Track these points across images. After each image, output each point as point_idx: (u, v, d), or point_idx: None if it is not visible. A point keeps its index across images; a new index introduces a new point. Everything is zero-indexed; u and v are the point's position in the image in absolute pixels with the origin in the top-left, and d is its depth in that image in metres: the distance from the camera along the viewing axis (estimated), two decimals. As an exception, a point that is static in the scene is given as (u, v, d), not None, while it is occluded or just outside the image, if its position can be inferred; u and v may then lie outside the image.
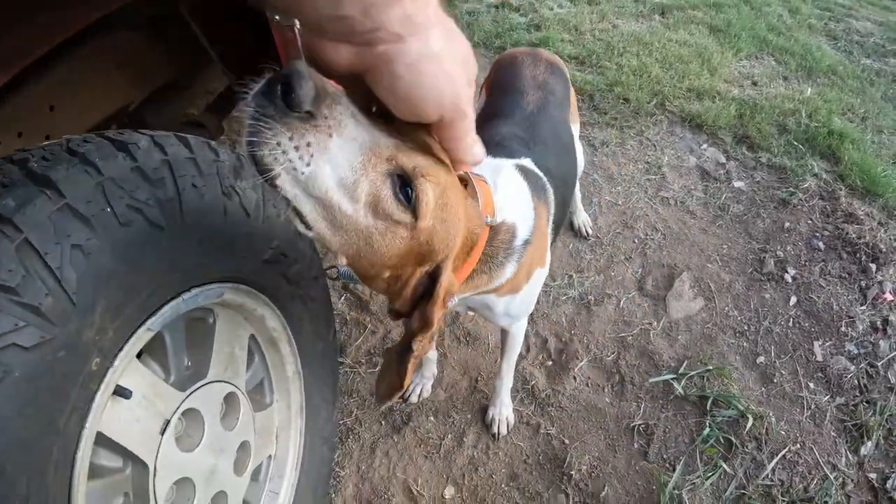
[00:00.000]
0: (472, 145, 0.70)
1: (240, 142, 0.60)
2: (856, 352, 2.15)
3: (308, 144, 0.60)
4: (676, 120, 3.29)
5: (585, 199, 2.67)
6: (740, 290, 2.36)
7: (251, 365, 1.21)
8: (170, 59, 1.61)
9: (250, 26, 1.41)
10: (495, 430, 1.84)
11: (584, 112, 3.24)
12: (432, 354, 1.88)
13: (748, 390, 2.01)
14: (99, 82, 1.43)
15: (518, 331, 1.59)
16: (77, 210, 0.71)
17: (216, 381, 1.06)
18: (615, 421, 1.91)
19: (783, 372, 2.07)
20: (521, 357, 1.99)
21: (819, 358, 2.13)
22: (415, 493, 1.71)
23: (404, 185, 0.68)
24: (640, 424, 1.89)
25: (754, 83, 3.73)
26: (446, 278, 0.79)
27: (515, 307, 1.33)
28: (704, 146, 3.12)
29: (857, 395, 2.02)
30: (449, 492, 1.72)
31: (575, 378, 2.01)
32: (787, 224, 2.65)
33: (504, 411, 1.84)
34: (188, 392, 0.98)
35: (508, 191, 1.16)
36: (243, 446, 1.15)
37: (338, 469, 1.74)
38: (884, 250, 2.48)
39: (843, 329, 2.22)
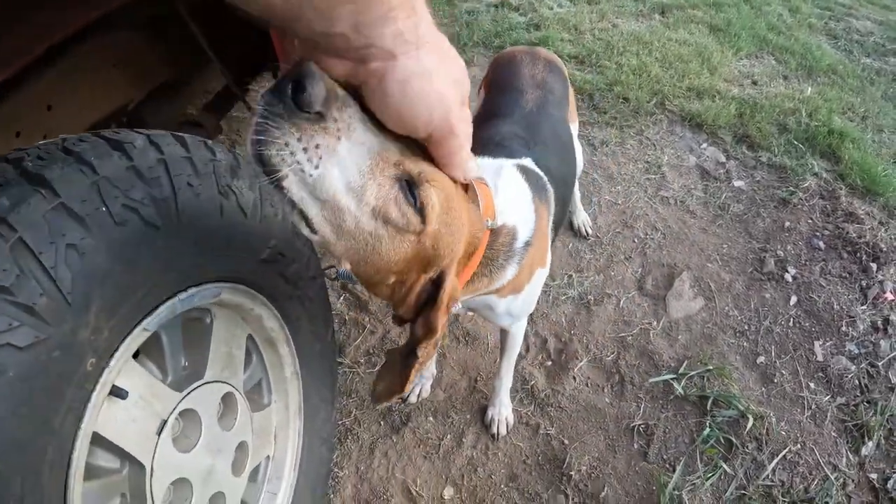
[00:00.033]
0: (463, 162, 0.71)
1: (245, 141, 0.60)
2: (856, 351, 2.14)
3: (317, 146, 0.59)
4: (676, 119, 3.28)
5: (585, 198, 2.67)
6: (740, 290, 2.36)
7: (249, 365, 1.21)
8: (169, 59, 1.61)
9: (249, 26, 1.41)
10: (494, 430, 1.83)
11: (583, 111, 3.24)
12: (431, 354, 1.87)
13: (748, 390, 2.00)
14: (98, 81, 1.43)
15: (518, 331, 1.58)
16: (72, 209, 0.70)
17: (214, 382, 1.05)
18: (615, 421, 1.90)
19: (783, 372, 2.07)
20: (520, 357, 1.99)
21: (820, 358, 2.12)
22: (414, 493, 1.70)
23: (411, 190, 0.68)
24: (639, 425, 1.89)
25: (754, 82, 3.72)
26: (450, 284, 0.79)
27: (517, 307, 1.33)
28: (704, 145, 3.12)
29: (858, 395, 2.02)
30: (448, 492, 1.72)
31: (574, 378, 2.00)
32: (787, 223, 2.64)
33: (503, 411, 1.84)
34: (185, 392, 0.98)
35: (509, 192, 1.15)
36: (241, 447, 1.15)
37: (336, 469, 1.73)
38: (884, 250, 2.47)
39: (843, 329, 2.21)
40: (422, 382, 1.91)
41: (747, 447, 1.84)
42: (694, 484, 1.74)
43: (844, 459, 1.84)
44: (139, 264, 0.79)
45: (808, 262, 2.47)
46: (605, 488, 1.74)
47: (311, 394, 1.35)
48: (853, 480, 1.80)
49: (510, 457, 1.81)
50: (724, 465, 1.79)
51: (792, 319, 2.25)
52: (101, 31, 1.33)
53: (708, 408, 1.91)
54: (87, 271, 0.71)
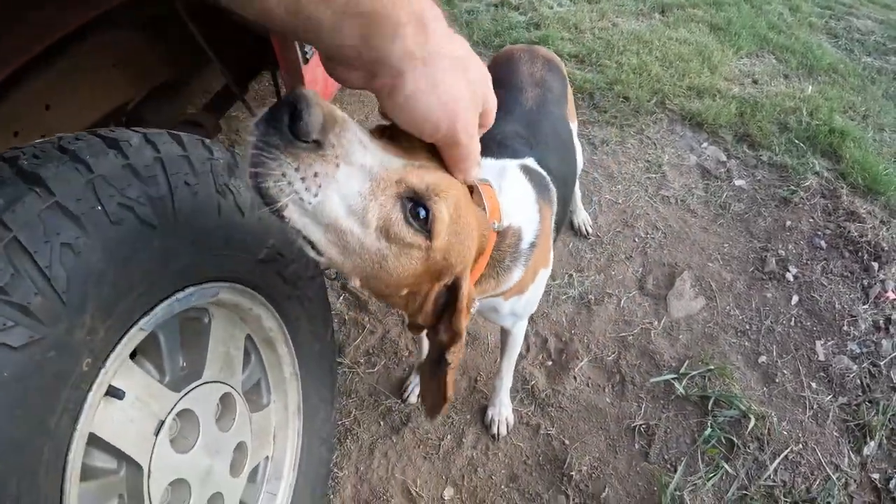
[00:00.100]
0: (467, 169, 0.71)
1: (243, 172, 0.59)
2: (858, 351, 2.13)
3: (315, 175, 0.59)
4: (677, 118, 3.27)
5: (585, 197, 2.66)
6: (742, 289, 2.35)
7: (248, 365, 1.20)
8: (169, 59, 1.61)
9: (248, 28, 1.41)
10: (495, 430, 1.83)
11: (584, 110, 3.24)
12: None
13: (750, 390, 1.99)
14: (97, 81, 1.42)
15: (519, 331, 1.58)
16: (67, 208, 0.70)
17: (212, 382, 1.05)
18: (616, 421, 1.90)
19: (785, 371, 2.06)
20: (520, 357, 1.98)
21: (821, 357, 2.11)
22: (414, 494, 1.70)
23: (417, 205, 0.67)
24: (640, 425, 1.88)
25: (755, 81, 3.71)
26: (467, 288, 0.78)
27: (521, 307, 1.32)
28: (705, 144, 3.11)
29: (860, 394, 2.01)
30: (448, 493, 1.71)
31: (575, 378, 1.99)
32: (788, 223, 2.63)
33: (504, 411, 1.83)
34: (183, 392, 0.97)
35: (513, 193, 1.15)
36: (240, 447, 1.15)
37: (336, 470, 1.73)
38: (886, 249, 2.46)
39: (845, 328, 2.20)
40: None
41: (749, 447, 1.83)
42: (695, 484, 1.74)
43: (846, 459, 1.84)
44: (135, 263, 0.78)
45: (809, 262, 2.46)
46: (606, 489, 1.73)
47: (311, 394, 1.34)
48: (855, 480, 1.79)
49: (511, 457, 1.80)
50: (726, 466, 1.78)
51: (793, 319, 2.24)
52: (100, 31, 1.33)
53: (709, 408, 1.91)
54: (82, 271, 0.70)
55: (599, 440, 1.85)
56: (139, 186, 0.79)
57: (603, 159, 2.95)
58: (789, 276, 2.39)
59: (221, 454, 1.08)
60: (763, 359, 2.10)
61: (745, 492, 1.73)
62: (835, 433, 1.90)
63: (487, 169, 1.13)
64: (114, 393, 0.82)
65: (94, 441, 0.80)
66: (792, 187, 2.81)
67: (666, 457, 1.81)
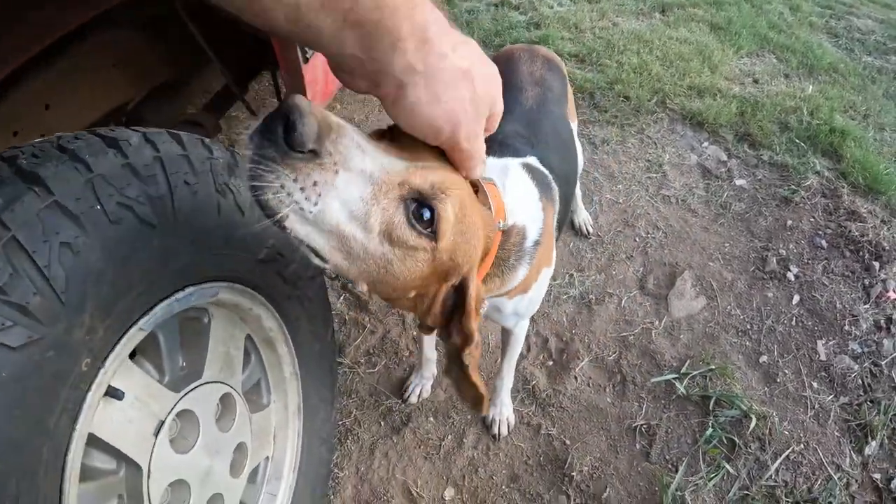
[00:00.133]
0: (472, 168, 0.72)
1: (243, 185, 0.59)
2: (859, 351, 2.13)
3: (314, 184, 0.58)
4: (677, 118, 3.27)
5: (586, 197, 2.66)
6: (743, 289, 2.35)
7: (248, 365, 1.20)
8: (169, 59, 1.60)
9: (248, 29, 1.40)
10: (496, 430, 1.82)
11: (584, 110, 3.23)
12: (431, 354, 1.86)
13: (751, 390, 1.99)
14: (97, 81, 1.42)
15: (521, 331, 1.58)
16: (66, 207, 0.69)
17: (212, 382, 1.04)
18: (617, 421, 1.89)
19: (786, 371, 2.06)
20: (521, 357, 1.98)
21: (822, 357, 2.11)
22: (414, 494, 1.69)
23: (421, 205, 0.67)
24: (642, 425, 1.88)
25: (755, 81, 3.71)
26: (474, 288, 0.77)
27: (524, 307, 1.32)
28: (706, 144, 3.11)
29: (861, 394, 2.01)
30: (449, 493, 1.71)
31: (576, 378, 1.99)
32: (789, 222, 2.63)
33: (504, 412, 1.83)
34: (183, 393, 0.97)
35: (517, 192, 1.15)
36: (240, 448, 1.14)
37: (336, 470, 1.72)
38: (887, 248, 2.46)
39: (846, 328, 2.20)
40: (422, 383, 1.90)
41: (750, 447, 1.82)
42: (697, 484, 1.73)
43: (848, 459, 1.83)
44: (135, 263, 0.78)
45: (810, 261, 2.45)
46: (607, 489, 1.73)
47: (311, 394, 1.34)
48: (857, 480, 1.79)
49: (511, 457, 1.80)
50: (727, 466, 1.77)
51: (794, 318, 2.24)
52: (100, 31, 1.32)
53: (710, 408, 1.90)
54: (81, 270, 0.70)
55: (600, 440, 1.85)
56: (138, 186, 0.79)
57: (603, 159, 2.95)
58: (790, 276, 2.39)
59: (221, 454, 1.08)
60: (764, 358, 2.09)
61: (746, 492, 1.73)
62: (836, 433, 1.90)
63: (490, 168, 1.13)
64: (113, 393, 0.82)
65: (93, 441, 0.80)
66: (793, 187, 2.81)
67: (667, 457, 1.81)
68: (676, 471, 1.76)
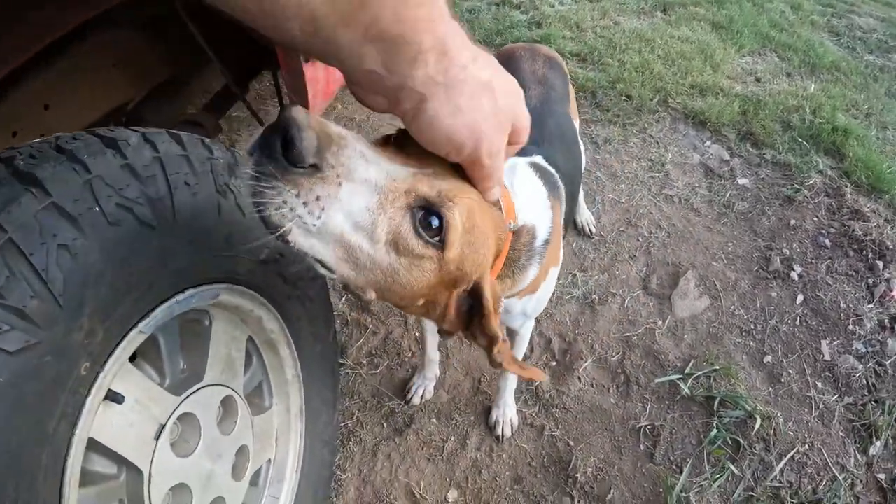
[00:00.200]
0: (489, 189, 0.70)
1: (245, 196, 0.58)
2: (864, 350, 2.12)
3: (317, 198, 0.57)
4: (679, 117, 3.26)
5: (588, 196, 2.65)
6: (746, 289, 2.34)
7: (249, 367, 1.19)
8: (168, 59, 1.59)
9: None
10: (499, 432, 1.81)
11: (586, 109, 3.22)
12: (434, 355, 1.85)
13: (755, 390, 1.98)
14: (97, 81, 1.41)
15: (527, 331, 1.57)
16: (64, 209, 0.68)
17: (213, 385, 1.03)
18: (621, 422, 1.88)
19: (790, 371, 2.04)
20: (524, 357, 1.97)
21: (827, 357, 2.10)
22: (417, 496, 1.68)
23: (429, 213, 0.65)
24: (646, 426, 1.87)
25: (757, 79, 3.70)
26: (490, 290, 0.76)
27: (532, 307, 1.32)
28: (708, 143, 3.09)
29: (866, 394, 2.00)
30: (452, 495, 1.70)
31: (579, 379, 1.98)
32: (792, 221, 2.62)
33: (508, 413, 1.82)
34: (184, 396, 0.96)
35: (525, 191, 1.14)
36: (241, 450, 1.13)
37: (339, 472, 1.71)
38: (890, 247, 2.45)
39: (850, 327, 2.19)
40: (425, 384, 1.89)
41: (755, 448, 1.81)
42: (701, 486, 1.72)
43: (852, 459, 1.82)
44: (134, 265, 0.77)
45: (814, 261, 2.44)
46: (612, 490, 1.71)
47: (313, 396, 1.33)
48: (861, 481, 1.78)
49: (515, 459, 1.79)
50: (732, 467, 1.76)
51: (798, 318, 2.22)
52: (100, 31, 1.31)
53: (715, 408, 1.89)
54: (79, 273, 0.69)
55: (604, 441, 1.83)
56: (138, 186, 0.78)
57: (606, 158, 2.94)
58: (794, 276, 2.38)
59: (223, 458, 1.07)
60: (768, 358, 2.08)
61: (751, 493, 1.72)
62: (840, 433, 1.89)
63: None
64: (113, 397, 0.80)
65: (93, 446, 0.79)
66: (796, 186, 2.80)
67: (671, 458, 1.80)
68: (681, 472, 1.75)
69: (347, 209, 0.60)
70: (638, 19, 4.32)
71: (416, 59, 0.54)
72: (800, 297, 2.30)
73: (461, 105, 0.58)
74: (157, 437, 0.90)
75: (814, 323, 2.21)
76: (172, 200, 0.82)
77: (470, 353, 2.03)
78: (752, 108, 3.29)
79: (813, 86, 3.63)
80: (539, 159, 1.32)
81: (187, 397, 0.96)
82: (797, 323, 2.21)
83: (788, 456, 1.80)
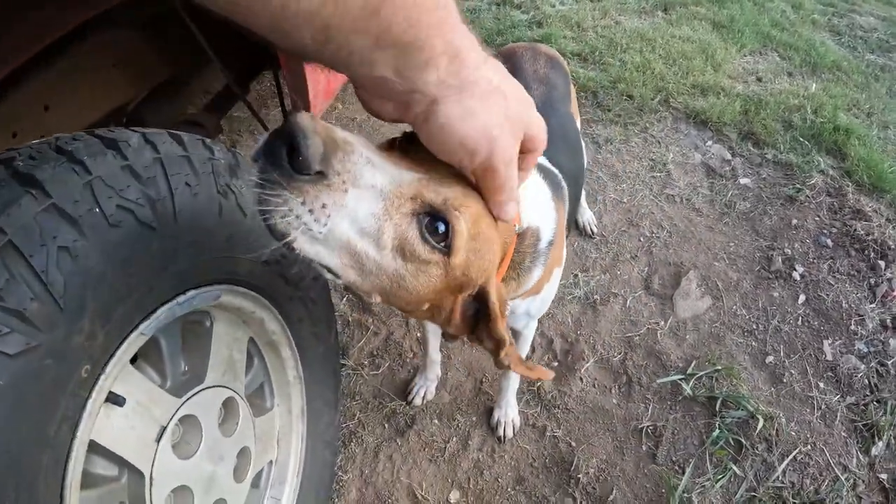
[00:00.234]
0: (502, 203, 0.68)
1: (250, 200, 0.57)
2: (866, 350, 2.11)
3: (323, 206, 0.56)
4: (681, 116, 3.25)
5: (590, 196, 2.64)
6: (748, 289, 2.33)
7: (250, 369, 1.19)
8: (169, 59, 1.59)
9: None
10: (501, 432, 1.81)
11: (587, 109, 3.22)
12: (436, 356, 1.85)
13: (758, 391, 1.97)
14: (97, 81, 1.41)
15: (530, 331, 1.57)
16: (64, 210, 0.68)
17: (214, 386, 1.03)
18: (623, 423, 1.88)
19: (793, 371, 2.04)
20: (526, 358, 1.96)
21: (829, 357, 2.09)
22: (419, 497, 1.68)
23: (435, 219, 0.65)
24: (648, 426, 1.86)
25: (759, 79, 3.69)
26: (495, 294, 0.76)
27: (536, 307, 1.31)
28: (709, 143, 3.09)
29: (868, 394, 1.99)
30: (454, 496, 1.69)
31: (581, 379, 1.98)
32: (794, 221, 2.61)
33: (510, 413, 1.81)
34: (185, 398, 0.95)
35: (529, 192, 1.13)
36: (243, 452, 1.13)
37: (341, 473, 1.71)
38: (892, 247, 2.45)
39: (852, 327, 2.18)
40: (426, 384, 1.88)
41: (757, 448, 1.81)
42: (704, 486, 1.72)
43: (854, 460, 1.82)
44: (135, 267, 0.76)
45: (815, 260, 2.44)
46: (614, 491, 1.71)
47: (315, 397, 1.33)
48: (863, 481, 1.78)
49: (517, 459, 1.78)
50: (734, 467, 1.76)
51: (800, 318, 2.22)
52: (100, 31, 1.31)
53: (717, 408, 1.89)
54: (80, 275, 0.68)
55: (606, 442, 1.83)
56: (138, 188, 0.77)
57: (607, 158, 2.93)
58: (796, 275, 2.37)
59: (225, 460, 1.06)
60: (770, 359, 2.08)
61: (753, 493, 1.72)
62: (843, 433, 1.89)
63: None
64: (114, 399, 0.80)
65: (94, 448, 0.78)
66: (797, 185, 2.79)
67: (674, 458, 1.79)
68: (683, 472, 1.75)
69: (353, 216, 0.60)
70: (639, 19, 4.31)
71: (428, 63, 0.53)
72: (802, 297, 2.29)
73: (473, 107, 0.57)
74: (159, 439, 0.89)
75: (816, 323, 2.21)
76: (173, 201, 0.82)
77: (472, 354, 2.03)
78: (754, 107, 3.29)
79: (814, 85, 3.62)
80: (542, 159, 1.32)
81: (188, 399, 0.96)
82: (799, 323, 2.20)
83: (791, 456, 1.80)
